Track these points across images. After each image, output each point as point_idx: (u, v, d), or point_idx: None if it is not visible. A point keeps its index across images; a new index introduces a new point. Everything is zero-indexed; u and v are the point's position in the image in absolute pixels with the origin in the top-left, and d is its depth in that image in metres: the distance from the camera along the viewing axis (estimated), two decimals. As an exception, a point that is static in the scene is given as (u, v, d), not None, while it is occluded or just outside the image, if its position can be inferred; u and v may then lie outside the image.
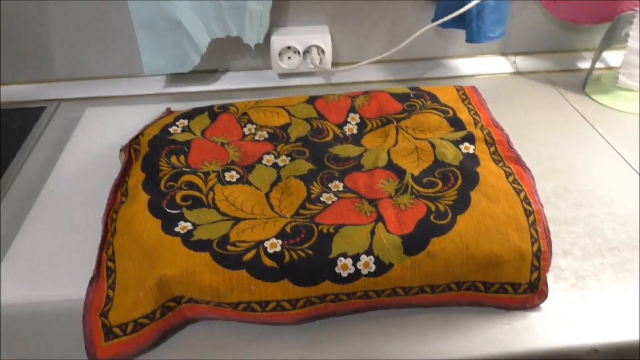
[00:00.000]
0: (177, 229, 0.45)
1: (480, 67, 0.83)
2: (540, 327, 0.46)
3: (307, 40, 0.76)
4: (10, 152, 0.67)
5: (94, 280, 0.44)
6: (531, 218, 0.47)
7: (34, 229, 0.53)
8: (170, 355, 0.43)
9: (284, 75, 0.80)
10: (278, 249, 0.43)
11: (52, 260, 0.50)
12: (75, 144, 0.66)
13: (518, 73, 0.83)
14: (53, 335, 0.45)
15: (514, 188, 0.49)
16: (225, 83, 0.80)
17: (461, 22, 0.74)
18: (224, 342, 0.44)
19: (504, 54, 0.85)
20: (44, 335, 0.45)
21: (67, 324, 0.45)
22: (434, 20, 0.75)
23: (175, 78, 0.80)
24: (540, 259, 0.45)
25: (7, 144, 0.68)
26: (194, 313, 0.44)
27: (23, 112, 0.75)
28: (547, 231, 0.47)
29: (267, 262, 0.43)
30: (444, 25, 0.73)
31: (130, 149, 0.55)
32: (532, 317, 0.46)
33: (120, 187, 0.52)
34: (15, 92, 0.79)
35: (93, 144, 0.66)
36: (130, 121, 0.68)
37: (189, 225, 0.46)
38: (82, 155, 0.64)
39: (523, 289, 0.46)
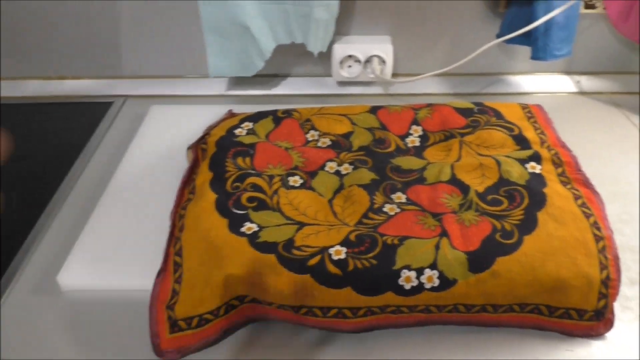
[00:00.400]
0: (243, 229, 0.46)
1: (542, 85, 0.82)
2: (604, 356, 0.44)
3: (369, 50, 0.77)
4: (78, 146, 0.69)
5: (161, 274, 0.46)
6: (601, 244, 0.45)
7: (101, 222, 0.55)
8: (231, 354, 0.44)
9: (343, 83, 0.81)
10: (342, 256, 0.44)
11: (118, 252, 0.52)
12: (141, 140, 0.68)
13: (582, 93, 0.81)
14: (119, 323, 0.47)
15: (583, 212, 0.48)
16: (285, 88, 0.81)
17: (527, 38, 0.72)
18: (282, 344, 0.45)
19: (568, 72, 0.83)
20: (110, 322, 0.47)
21: (132, 314, 0.47)
22: (499, 35, 0.74)
23: (238, 81, 0.82)
24: (608, 287, 0.44)
25: (76, 137, 0.71)
26: (256, 313, 0.45)
27: (91, 106, 0.79)
28: (616, 258, 0.45)
29: (332, 268, 0.43)
30: (509, 41, 0.73)
31: (198, 148, 0.57)
32: (596, 345, 0.45)
33: (188, 184, 0.53)
34: (84, 87, 0.82)
35: (158, 140, 0.68)
36: (194, 120, 0.69)
37: (254, 227, 0.47)
38: (148, 150, 0.66)
39: (589, 316, 0.45)
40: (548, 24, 0.70)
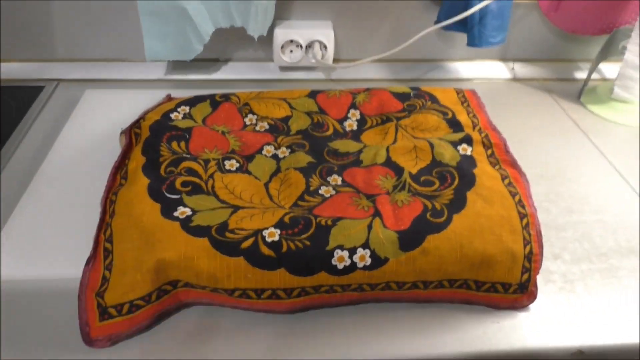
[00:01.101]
0: (176, 213, 0.46)
1: (479, 71, 0.84)
2: (528, 327, 0.47)
3: (310, 35, 0.77)
4: (7, 130, 0.66)
5: (90, 261, 0.45)
6: (525, 221, 0.48)
7: (30, 208, 0.53)
8: (163, 338, 0.44)
9: (285, 68, 0.81)
10: (276, 238, 0.44)
11: (47, 240, 0.50)
12: (73, 125, 0.66)
13: (516, 79, 0.84)
14: (47, 312, 0.45)
15: (509, 191, 0.50)
16: (226, 73, 0.80)
17: (463, 25, 0.74)
18: (216, 328, 0.45)
19: (504, 59, 0.86)
20: (38, 312, 0.45)
21: (62, 303, 0.45)
22: (436, 22, 0.75)
23: (176, 65, 0.80)
24: (531, 261, 0.46)
25: (5, 122, 0.68)
26: (189, 297, 0.45)
27: (21, 90, 0.75)
28: (539, 235, 0.48)
29: (265, 250, 0.43)
30: (446, 28, 0.74)
31: (131, 133, 0.56)
32: (521, 317, 0.47)
33: (120, 169, 0.52)
34: (14, 70, 0.78)
35: (91, 125, 0.66)
36: (130, 105, 0.68)
37: (188, 211, 0.46)
38: (80, 136, 0.64)
39: (513, 289, 0.47)
40: (482, 12, 0.72)
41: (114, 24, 0.77)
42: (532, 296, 0.47)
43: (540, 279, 0.50)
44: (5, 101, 0.73)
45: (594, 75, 0.81)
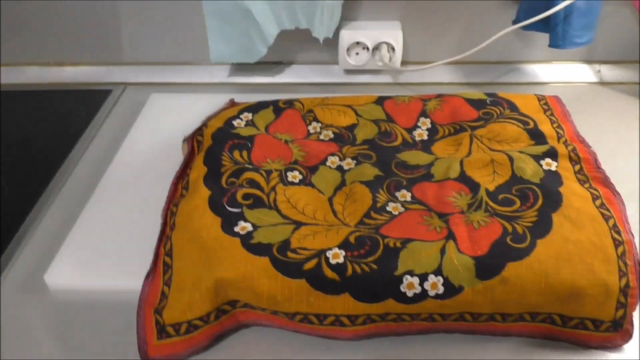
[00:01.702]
0: (237, 228, 0.44)
1: (560, 74, 0.78)
2: (621, 369, 0.41)
3: (378, 36, 0.73)
4: (76, 134, 0.67)
5: (150, 275, 0.43)
6: (620, 249, 0.42)
7: (92, 218, 0.53)
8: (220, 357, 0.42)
9: (350, 71, 0.77)
10: (341, 260, 0.41)
11: (108, 251, 0.50)
12: (138, 130, 0.66)
13: (602, 83, 0.77)
14: (106, 324, 0.45)
15: (602, 214, 0.45)
16: (289, 76, 0.78)
17: (545, 24, 0.68)
18: (276, 351, 0.42)
19: (588, 61, 0.79)
20: (97, 323, 0.45)
21: (121, 315, 0.45)
22: (515, 21, 0.70)
23: (240, 68, 0.79)
24: (627, 296, 0.41)
25: (73, 126, 0.69)
26: (248, 319, 0.43)
27: (90, 93, 0.76)
28: (637, 264, 0.42)
29: (329, 273, 0.40)
30: (526, 27, 0.68)
31: (194, 141, 0.54)
32: (613, 358, 0.42)
33: (181, 179, 0.51)
34: (83, 74, 0.80)
35: (157, 130, 0.65)
36: (194, 108, 0.67)
37: (248, 226, 0.44)
38: (145, 141, 0.63)
39: (605, 326, 0.41)
40: (568, 9, 0.66)
41: (179, 27, 0.76)
42: (628, 335, 0.42)
43: (636, 316, 0.44)
44: (74, 104, 0.75)
45: (694, 79, 0.72)
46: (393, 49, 0.73)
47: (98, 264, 0.48)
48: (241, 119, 0.57)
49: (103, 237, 0.51)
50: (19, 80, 0.79)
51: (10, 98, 0.76)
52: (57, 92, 0.77)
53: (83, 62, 0.80)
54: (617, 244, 0.42)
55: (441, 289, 0.40)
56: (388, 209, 0.47)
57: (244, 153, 0.52)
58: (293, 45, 0.77)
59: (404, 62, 0.77)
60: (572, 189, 0.47)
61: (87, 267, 0.48)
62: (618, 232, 0.43)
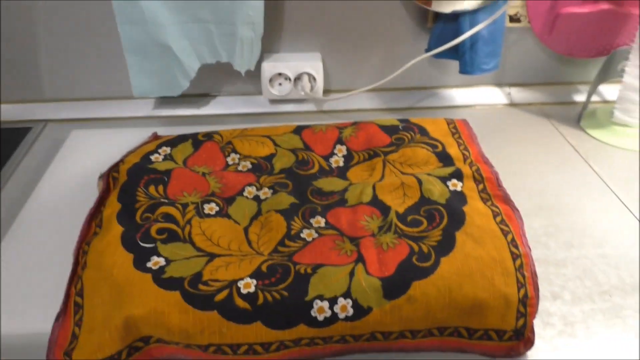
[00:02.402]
0: (149, 264, 0.44)
1: (474, 97, 0.82)
2: (526, 377, 0.44)
3: (299, 67, 0.75)
4: (-9, 174, 0.66)
5: (60, 316, 0.43)
6: (518, 262, 0.45)
7: (6, 259, 0.52)
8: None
9: (274, 101, 0.79)
10: (252, 289, 0.42)
11: (22, 291, 0.48)
12: (57, 167, 0.65)
13: (513, 105, 0.82)
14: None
15: (501, 229, 0.48)
16: (215, 108, 0.79)
17: (455, 53, 0.73)
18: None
19: (499, 84, 0.84)
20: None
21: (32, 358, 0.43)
22: (427, 50, 0.74)
23: (165, 101, 0.79)
24: (526, 305, 0.43)
25: (-11, 165, 0.67)
26: (163, 354, 0.42)
27: (9, 132, 0.74)
28: (534, 276, 0.45)
29: (240, 303, 0.41)
30: (438, 55, 0.73)
31: (109, 177, 0.54)
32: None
33: (95, 217, 0.50)
34: (3, 112, 0.78)
35: (75, 167, 0.64)
36: (116, 144, 0.66)
37: (161, 261, 0.44)
38: (62, 179, 0.62)
39: (508, 336, 0.44)
40: (473, 38, 0.70)
41: (101, 62, 0.76)
42: (530, 343, 0.44)
43: (538, 322, 0.47)
44: (-9, 144, 0.73)
45: (594, 98, 0.78)
46: (314, 78, 0.76)
47: (9, 308, 0.47)
48: (159, 153, 0.57)
49: (16, 280, 0.49)
50: None
51: None
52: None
53: (2, 100, 0.78)
54: (514, 257, 0.45)
55: (351, 311, 0.41)
56: (302, 235, 0.48)
57: (160, 188, 0.52)
58: (218, 77, 0.78)
59: (326, 91, 0.79)
60: (475, 208, 0.50)
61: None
62: (516, 246, 0.46)
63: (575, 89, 0.84)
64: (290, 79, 0.76)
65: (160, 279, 0.42)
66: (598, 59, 0.78)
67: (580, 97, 0.82)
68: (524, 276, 0.44)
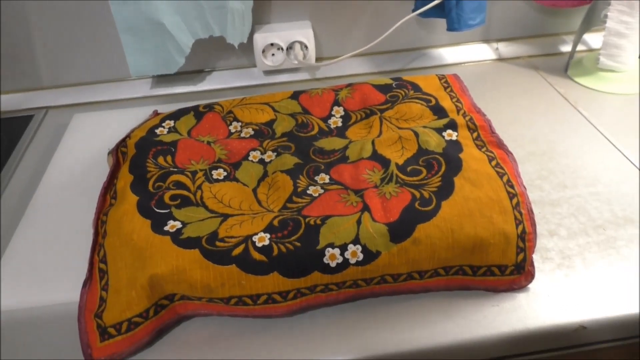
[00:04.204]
0: (166, 228, 0.46)
1: (463, 55, 0.84)
2: (528, 307, 0.46)
3: (290, 36, 0.77)
4: (0, 162, 0.67)
5: (87, 283, 0.45)
6: (514, 200, 0.47)
7: (26, 236, 0.54)
8: (167, 352, 0.44)
9: (268, 72, 0.81)
10: (266, 242, 0.44)
11: (46, 266, 0.51)
12: (63, 151, 0.66)
13: (501, 59, 0.84)
14: (50, 338, 0.46)
15: (497, 172, 0.50)
16: (211, 83, 0.80)
17: (441, 11, 0.74)
18: (218, 337, 0.45)
19: (487, 41, 0.86)
20: (41, 339, 0.46)
21: (63, 327, 0.46)
22: (414, 10, 0.75)
23: (161, 80, 0.80)
24: (525, 240, 0.46)
25: (-3, 153, 0.69)
26: (187, 310, 0.45)
27: (11, 121, 0.76)
28: (530, 213, 0.47)
29: (256, 255, 0.43)
30: (425, 14, 0.74)
31: (118, 152, 0.56)
32: (520, 297, 0.47)
33: (109, 190, 0.52)
34: (2, 102, 0.79)
35: (81, 149, 0.66)
36: (118, 125, 0.68)
37: (178, 224, 0.46)
38: (71, 161, 0.64)
39: (510, 270, 0.46)
40: (459, -5, 0.72)
41: (96, 45, 0.77)
42: (530, 276, 0.47)
43: (537, 258, 0.50)
44: (-4, 133, 0.74)
45: (580, 47, 0.80)
46: (306, 47, 0.77)
47: (35, 282, 0.49)
48: (163, 127, 0.59)
49: (38, 255, 0.52)
50: None
51: None
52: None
53: (2, 91, 0.79)
54: (511, 196, 0.48)
55: (361, 256, 0.44)
56: (309, 192, 0.50)
57: (168, 158, 0.54)
58: (211, 52, 0.80)
59: (318, 59, 0.81)
60: (470, 154, 0.52)
61: (24, 286, 0.49)
62: (512, 186, 0.49)
63: (561, 39, 0.86)
64: (282, 49, 0.77)
65: (179, 239, 0.44)
66: (581, 8, 0.80)
67: (567, 48, 0.84)
68: (521, 213, 0.47)
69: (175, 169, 0.53)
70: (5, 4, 0.72)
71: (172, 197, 0.49)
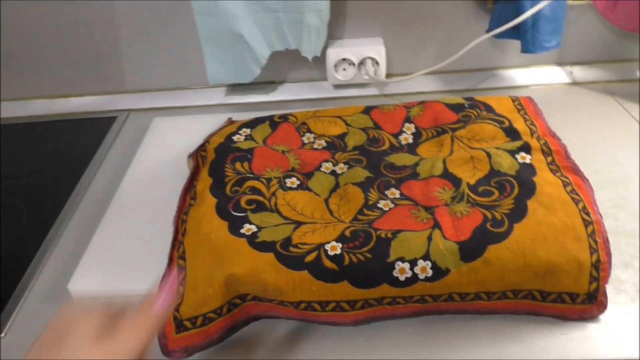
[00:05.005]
0: (242, 230, 0.48)
1: (536, 77, 0.83)
2: (599, 338, 0.45)
3: (362, 52, 0.79)
4: (85, 159, 0.72)
5: (166, 277, 0.48)
6: (590, 228, 0.47)
7: (108, 231, 0.58)
8: (236, 351, 0.46)
9: (339, 86, 0.83)
10: (338, 251, 0.45)
11: (125, 259, 0.54)
12: (144, 151, 0.70)
13: (575, 83, 0.82)
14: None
15: (572, 198, 0.49)
16: (282, 94, 0.83)
17: (516, 32, 0.74)
18: (284, 341, 0.47)
19: (561, 64, 0.84)
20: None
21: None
22: (488, 30, 0.75)
23: (235, 89, 0.84)
24: (599, 270, 0.45)
25: (82, 152, 0.74)
26: (257, 310, 0.47)
27: (96, 121, 0.81)
28: (606, 242, 0.46)
29: (328, 263, 0.45)
30: (499, 35, 0.74)
31: (198, 156, 0.59)
32: (591, 328, 0.46)
33: (189, 191, 0.55)
34: (89, 103, 0.85)
35: (160, 151, 0.70)
36: (194, 130, 0.71)
37: (253, 228, 0.48)
38: (151, 161, 0.68)
39: (581, 299, 0.46)
40: (535, 17, 0.71)
41: (177, 54, 0.82)
42: (602, 306, 0.46)
43: (610, 289, 0.49)
44: (81, 132, 0.79)
45: (659, 74, 0.78)
46: (377, 63, 0.79)
47: (116, 272, 0.53)
48: (240, 134, 0.62)
49: (119, 248, 0.55)
50: (27, 113, 0.84)
51: (20, 131, 0.81)
52: (64, 122, 0.82)
53: (87, 93, 0.85)
54: (586, 224, 0.47)
55: (430, 272, 0.44)
56: (379, 205, 0.51)
57: (245, 164, 0.57)
58: (284, 65, 0.83)
59: (388, 75, 0.82)
60: (545, 178, 0.52)
61: (106, 275, 0.52)
62: (587, 214, 0.48)
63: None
64: (354, 64, 0.79)
65: (254, 242, 0.46)
66: (664, 34, 0.77)
67: (645, 74, 0.82)
68: (596, 242, 0.46)
69: (252, 175, 0.55)
70: (96, 12, 0.77)
71: (248, 202, 0.52)
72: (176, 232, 0.51)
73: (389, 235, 0.46)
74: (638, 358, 0.44)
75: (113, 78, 0.84)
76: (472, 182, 0.53)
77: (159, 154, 0.69)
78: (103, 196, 0.65)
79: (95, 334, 0.31)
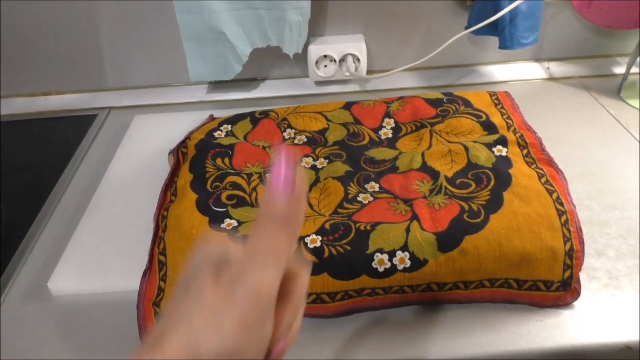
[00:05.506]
0: (223, 225, 0.48)
1: (514, 73, 0.84)
2: (573, 324, 0.47)
3: (343, 49, 0.79)
4: (66, 156, 0.72)
5: (147, 273, 0.48)
6: (563, 218, 0.48)
7: (88, 228, 0.57)
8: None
9: (320, 83, 0.83)
10: (318, 244, 0.46)
11: (105, 257, 0.54)
12: (125, 149, 0.70)
13: (552, 79, 0.84)
14: (109, 323, 0.49)
15: (546, 189, 0.50)
16: (264, 91, 0.83)
17: (494, 28, 0.75)
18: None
19: (538, 60, 0.86)
20: (99, 323, 0.49)
21: (121, 314, 0.49)
22: (467, 27, 0.76)
23: (217, 86, 0.84)
24: (572, 258, 0.46)
25: (63, 150, 0.73)
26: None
27: (77, 119, 0.81)
28: (579, 231, 0.48)
29: (308, 256, 0.45)
30: (477, 32, 0.75)
31: (179, 152, 0.59)
32: (565, 314, 0.48)
33: (169, 187, 0.55)
34: (69, 101, 0.84)
35: (141, 148, 0.70)
36: (176, 127, 0.72)
37: (234, 222, 0.49)
38: (131, 158, 0.68)
39: (555, 286, 0.47)
40: (513, 13, 0.72)
41: (158, 51, 0.81)
42: (576, 293, 0.47)
43: (584, 276, 0.50)
44: (62, 130, 0.79)
45: (633, 69, 0.79)
46: (358, 59, 0.79)
47: (97, 269, 0.52)
48: (221, 130, 0.62)
49: (100, 245, 0.55)
50: (5, 112, 0.83)
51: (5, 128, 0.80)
52: (44, 120, 0.82)
53: (67, 91, 0.85)
54: (560, 213, 0.48)
55: (408, 263, 0.45)
56: (359, 199, 0.52)
57: (226, 160, 0.57)
58: (266, 62, 0.83)
59: (369, 71, 0.83)
60: (520, 170, 0.53)
61: (86, 272, 0.52)
62: (561, 204, 0.49)
63: (615, 61, 0.85)
64: (335, 61, 0.79)
65: (235, 237, 0.47)
66: (637, 30, 0.79)
67: (620, 69, 0.83)
68: (569, 231, 0.47)
69: (232, 171, 0.56)
70: (76, 12, 0.77)
71: (229, 197, 0.52)
72: (157, 228, 0.51)
73: (368, 227, 0.47)
74: (612, 342, 0.45)
75: (94, 75, 0.84)
76: (449, 174, 0.54)
77: (140, 152, 0.69)
78: (83, 194, 0.64)
79: (216, 274, 0.25)
